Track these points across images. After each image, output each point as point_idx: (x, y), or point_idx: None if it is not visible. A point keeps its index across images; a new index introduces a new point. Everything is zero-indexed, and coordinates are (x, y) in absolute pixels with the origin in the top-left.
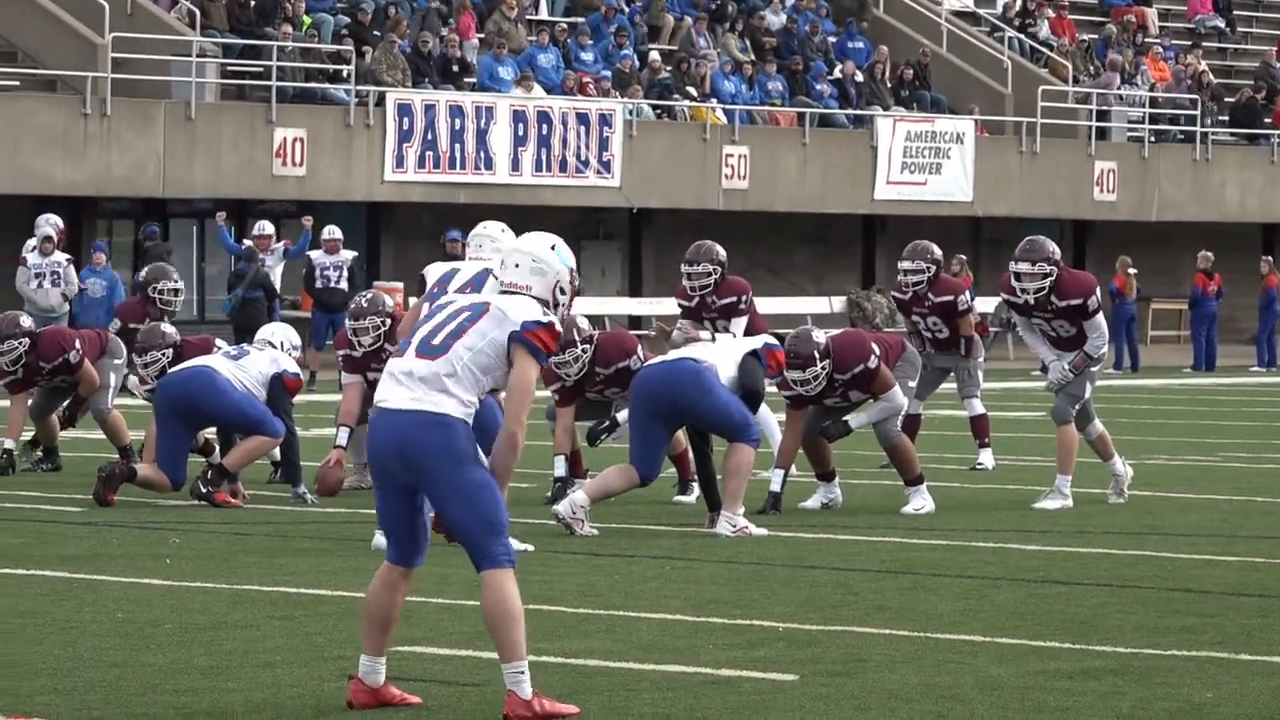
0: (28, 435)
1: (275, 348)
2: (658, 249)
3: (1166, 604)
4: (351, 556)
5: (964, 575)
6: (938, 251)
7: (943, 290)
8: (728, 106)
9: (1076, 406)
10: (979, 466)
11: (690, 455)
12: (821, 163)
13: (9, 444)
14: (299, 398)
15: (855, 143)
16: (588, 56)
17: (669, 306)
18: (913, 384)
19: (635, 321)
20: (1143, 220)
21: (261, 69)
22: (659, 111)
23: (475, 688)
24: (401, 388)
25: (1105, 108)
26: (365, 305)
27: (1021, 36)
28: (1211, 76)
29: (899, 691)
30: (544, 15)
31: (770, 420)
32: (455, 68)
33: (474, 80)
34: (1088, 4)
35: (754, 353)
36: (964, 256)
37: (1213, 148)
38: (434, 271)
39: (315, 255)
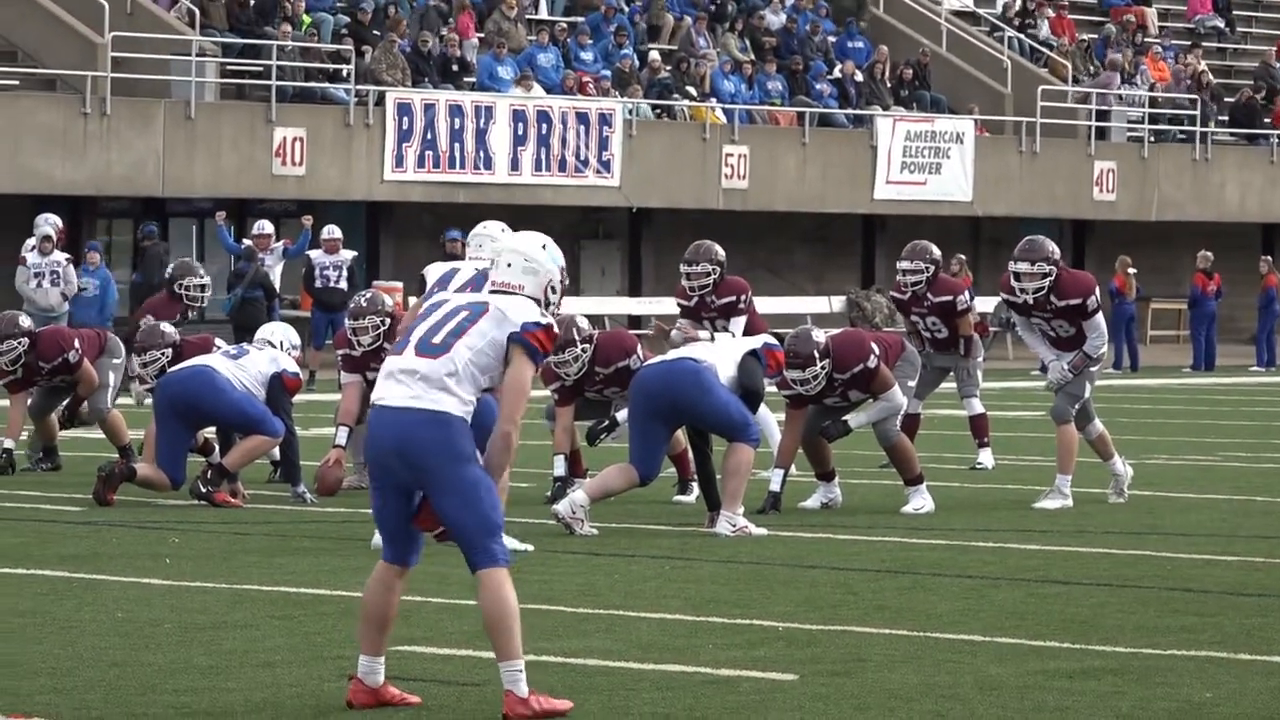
0: (26, 435)
1: (275, 347)
2: (657, 249)
3: (1166, 604)
4: (351, 556)
5: (964, 575)
6: (936, 251)
7: (942, 290)
8: (727, 106)
9: (1076, 406)
10: (978, 466)
11: (690, 455)
12: (821, 162)
13: (9, 444)
14: (298, 397)
15: (855, 142)
16: (587, 56)
17: (668, 306)
18: (912, 384)
19: (635, 321)
20: (1142, 220)
21: (261, 68)
22: (659, 111)
23: (475, 687)
24: (401, 386)
25: (1105, 108)
26: (365, 305)
27: (1021, 36)
28: (1211, 76)
29: (899, 691)
30: (544, 15)
31: (770, 420)
32: (455, 67)
33: (473, 80)
34: (1088, 4)
35: (753, 352)
36: (963, 256)
37: (1212, 148)
38: (434, 271)
39: (315, 255)
